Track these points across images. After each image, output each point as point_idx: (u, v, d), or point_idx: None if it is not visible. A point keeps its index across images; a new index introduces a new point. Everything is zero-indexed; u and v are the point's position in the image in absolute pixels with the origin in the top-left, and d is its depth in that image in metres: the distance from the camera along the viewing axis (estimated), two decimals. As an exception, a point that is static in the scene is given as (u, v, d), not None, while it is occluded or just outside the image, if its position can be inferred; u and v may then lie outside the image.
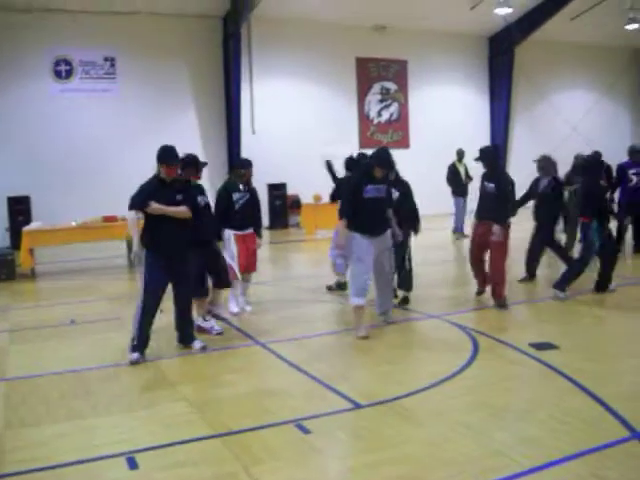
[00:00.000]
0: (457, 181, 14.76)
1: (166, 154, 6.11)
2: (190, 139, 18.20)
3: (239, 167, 8.15)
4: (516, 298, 8.10)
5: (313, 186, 16.78)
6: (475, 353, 5.92)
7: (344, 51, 19.89)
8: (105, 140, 17.01)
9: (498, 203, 7.53)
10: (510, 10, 19.03)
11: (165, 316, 7.70)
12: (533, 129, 22.81)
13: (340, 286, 8.80)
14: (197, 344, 6.36)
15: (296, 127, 18.98)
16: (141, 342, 6.03)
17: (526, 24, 20.70)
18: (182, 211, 6.10)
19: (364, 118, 20.71)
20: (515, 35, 21.03)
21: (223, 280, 7.14)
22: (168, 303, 6.31)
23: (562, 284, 7.96)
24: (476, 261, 7.99)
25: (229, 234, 7.63)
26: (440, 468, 3.77)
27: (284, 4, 17.44)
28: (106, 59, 17.39)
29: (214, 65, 18.41)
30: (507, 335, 6.47)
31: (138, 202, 6.02)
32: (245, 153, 18.00)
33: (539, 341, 6.12)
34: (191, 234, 6.25)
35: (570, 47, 22.87)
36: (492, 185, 7.59)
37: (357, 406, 4.73)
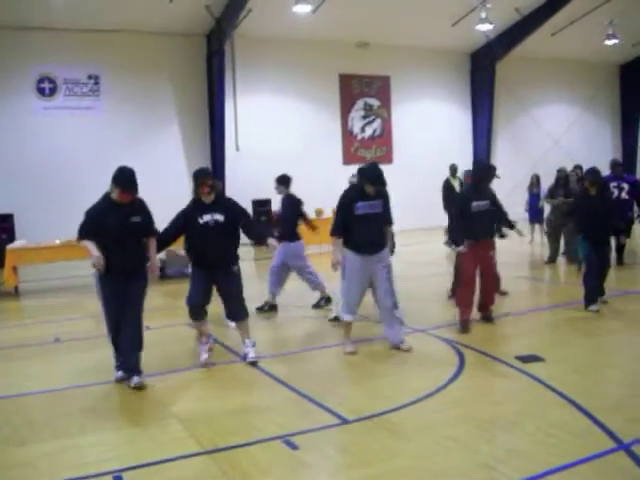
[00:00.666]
0: (452, 197, 14.65)
1: (123, 177, 5.73)
2: (174, 156, 18.24)
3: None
4: (501, 311, 8.14)
5: (298, 202, 16.80)
6: (461, 367, 5.94)
7: (327, 68, 20.00)
8: (89, 157, 16.96)
9: (499, 216, 7.60)
10: (491, 26, 19.29)
11: (151, 333, 7.68)
12: (515, 143, 23.05)
13: (273, 307, 8.92)
14: (135, 379, 5.73)
15: (280, 143, 19.03)
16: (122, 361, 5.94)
17: (507, 40, 20.96)
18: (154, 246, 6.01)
19: (347, 134, 20.82)
20: (496, 51, 21.30)
21: (233, 312, 6.47)
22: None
23: (588, 300, 7.97)
24: (473, 284, 7.47)
25: None
26: (429, 482, 3.78)
27: (267, 22, 17.55)
28: (90, 77, 17.39)
29: (198, 83, 18.46)
30: (493, 348, 6.50)
31: (85, 234, 5.78)
32: (229, 170, 18.05)
33: (525, 354, 6.16)
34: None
35: (551, 62, 23.16)
36: (486, 202, 7.35)
37: (344, 421, 4.73)
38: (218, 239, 6.18)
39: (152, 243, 6.03)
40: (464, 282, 7.48)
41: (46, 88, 16.94)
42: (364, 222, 6.32)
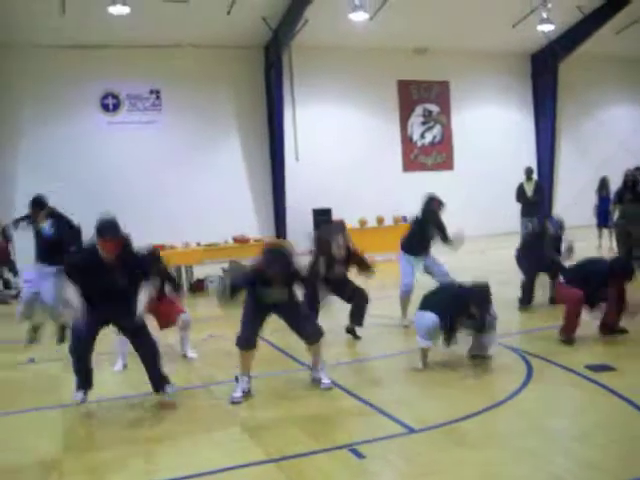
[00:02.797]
0: (523, 201, 14.24)
1: (102, 225, 5.38)
2: (235, 168, 18.50)
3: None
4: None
5: (358, 210, 16.82)
6: (530, 376, 5.81)
7: (385, 74, 19.97)
8: (152, 170, 17.35)
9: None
10: (552, 27, 18.86)
11: (214, 341, 7.79)
12: (580, 146, 22.47)
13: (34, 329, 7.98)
14: (167, 389, 5.61)
15: (339, 152, 19.07)
16: (82, 383, 5.53)
17: (569, 40, 20.46)
18: None
19: (407, 141, 20.70)
20: (558, 52, 20.83)
21: (309, 333, 5.85)
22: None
23: None
24: (583, 301, 6.82)
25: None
26: (499, 493, 3.70)
27: (323, 31, 17.63)
28: (151, 91, 17.82)
29: (257, 94, 18.68)
30: (561, 357, 6.32)
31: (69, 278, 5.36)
32: (289, 179, 18.19)
33: (595, 363, 5.97)
34: None
35: (616, 62, 22.51)
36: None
37: (411, 431, 4.67)
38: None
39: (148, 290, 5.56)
40: (575, 303, 6.82)
41: (110, 104, 17.43)
42: None
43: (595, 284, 6.74)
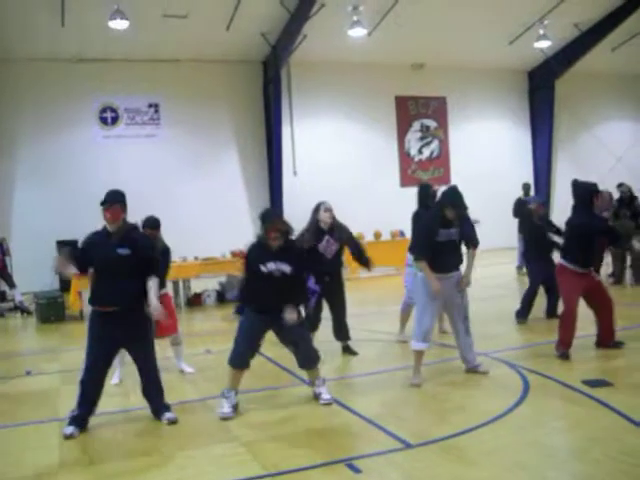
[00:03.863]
0: (521, 216, 14.31)
1: (106, 195, 5.51)
2: (233, 182, 18.52)
3: None
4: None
5: (355, 225, 16.75)
6: (526, 391, 5.81)
7: (383, 90, 20.06)
8: (150, 184, 17.33)
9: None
10: (549, 43, 19.03)
11: (213, 357, 7.79)
12: (577, 162, 22.51)
13: None
14: (167, 415, 5.52)
15: (337, 167, 19.11)
16: (79, 418, 5.38)
17: (566, 57, 20.57)
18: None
19: (405, 156, 20.76)
20: (555, 68, 20.97)
21: (307, 358, 5.85)
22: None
23: None
24: (576, 314, 6.91)
25: None
26: (495, 509, 3.69)
27: (322, 47, 17.73)
28: (150, 105, 17.86)
29: (255, 109, 18.75)
30: (558, 372, 6.33)
31: (79, 268, 5.57)
32: (287, 194, 18.21)
33: (592, 378, 5.98)
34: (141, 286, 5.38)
35: (613, 78, 22.66)
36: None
37: (407, 445, 4.67)
38: (281, 288, 5.61)
39: (152, 283, 5.43)
40: (568, 316, 6.89)
41: (108, 117, 17.47)
42: (443, 246, 6.21)
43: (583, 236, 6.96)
